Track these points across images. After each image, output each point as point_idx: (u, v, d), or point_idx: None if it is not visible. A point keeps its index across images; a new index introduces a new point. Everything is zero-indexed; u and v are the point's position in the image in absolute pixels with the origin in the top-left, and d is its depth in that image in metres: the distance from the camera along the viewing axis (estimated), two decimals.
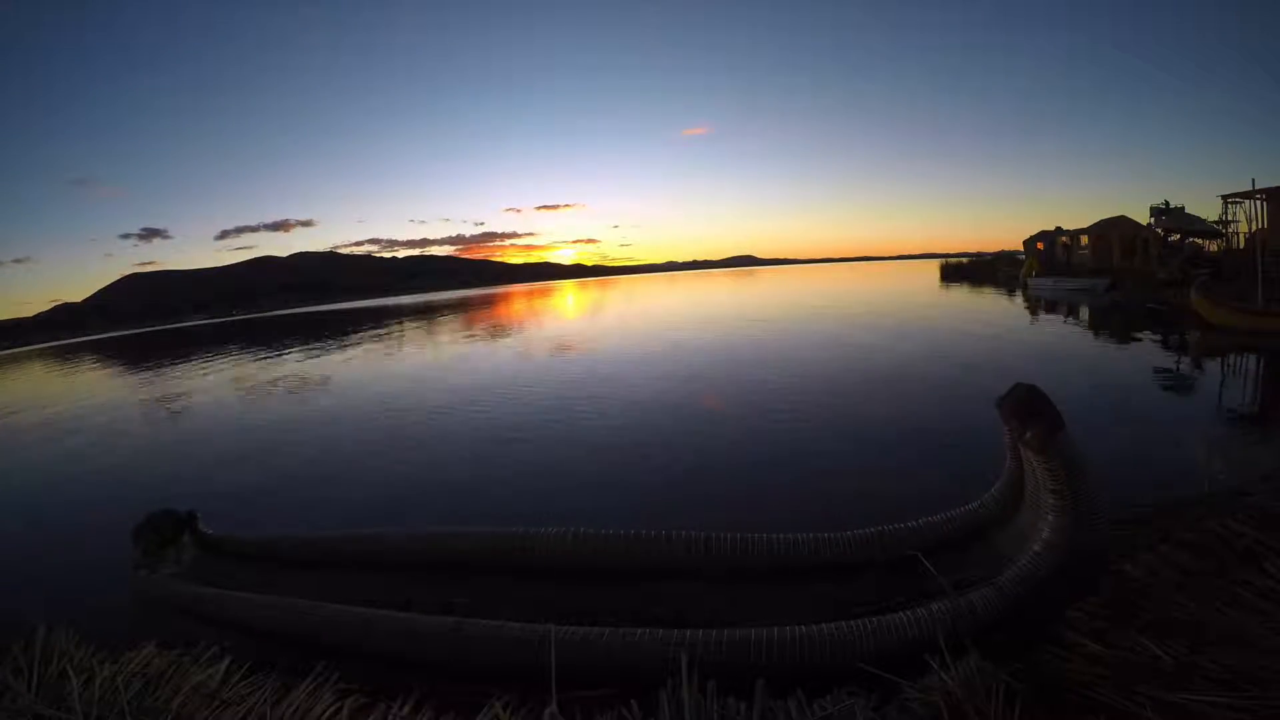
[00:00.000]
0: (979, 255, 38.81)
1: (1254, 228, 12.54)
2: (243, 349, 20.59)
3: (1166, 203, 18.63)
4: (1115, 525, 2.38)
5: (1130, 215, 20.53)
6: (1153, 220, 18.83)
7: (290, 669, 2.06)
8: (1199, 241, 16.02)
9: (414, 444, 5.86)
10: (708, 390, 7.37)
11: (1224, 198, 13.39)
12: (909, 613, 1.87)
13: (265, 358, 16.51)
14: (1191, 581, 2.08)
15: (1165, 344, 8.45)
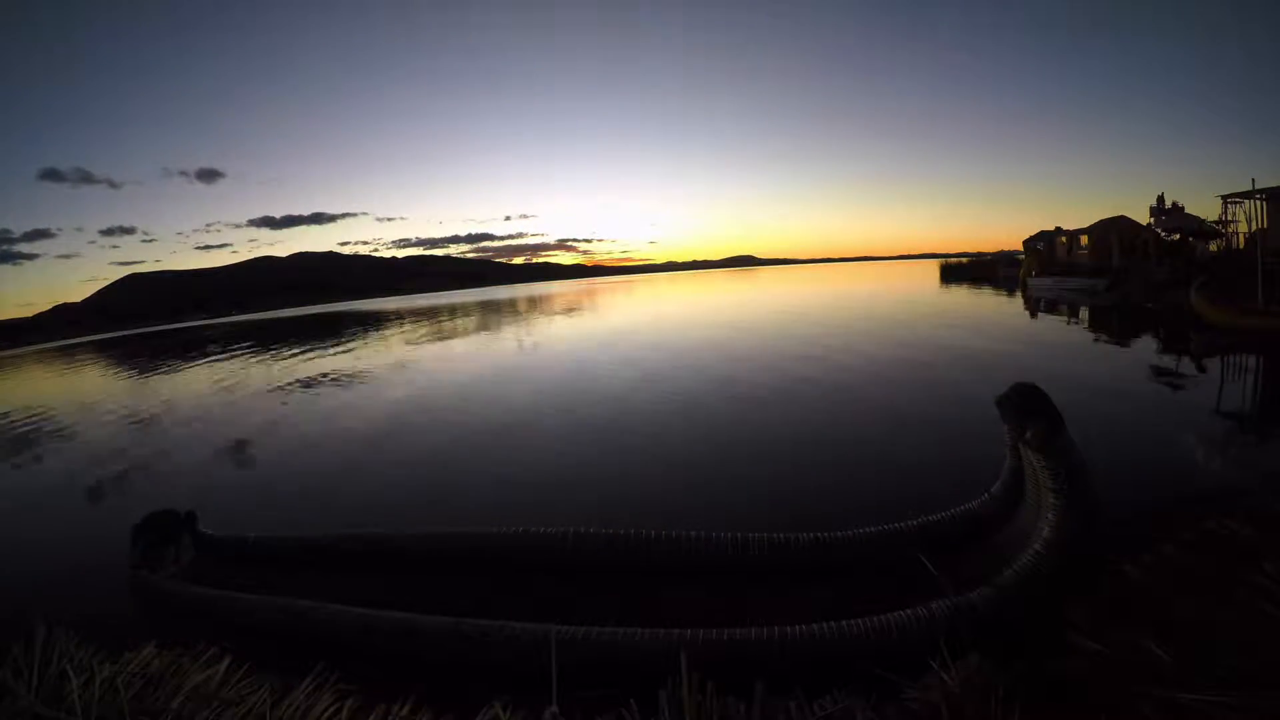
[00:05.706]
0: (979, 255, 38.67)
1: (1254, 228, 12.53)
2: (254, 348, 20.59)
3: (1169, 200, 18.62)
4: (1115, 525, 2.38)
5: (1130, 215, 20.56)
6: (1153, 220, 18.80)
7: (290, 669, 2.06)
8: (1212, 248, 16.01)
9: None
10: None
11: (1224, 198, 13.38)
12: (909, 612, 1.87)
13: (272, 354, 16.53)
14: (1191, 581, 2.08)
15: (1164, 344, 8.44)
